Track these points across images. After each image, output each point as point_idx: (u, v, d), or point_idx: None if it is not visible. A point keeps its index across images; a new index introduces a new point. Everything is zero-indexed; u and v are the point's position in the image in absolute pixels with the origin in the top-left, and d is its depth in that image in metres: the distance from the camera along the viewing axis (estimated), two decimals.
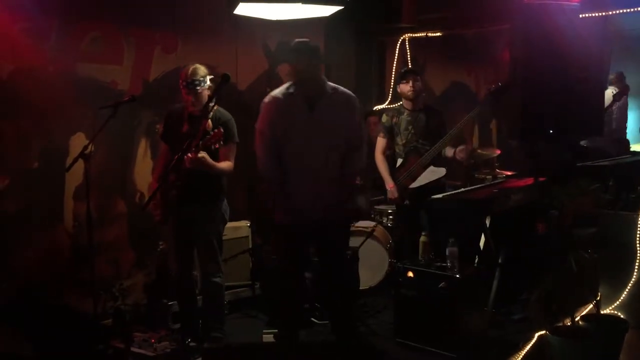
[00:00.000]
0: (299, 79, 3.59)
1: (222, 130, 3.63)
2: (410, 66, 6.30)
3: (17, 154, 4.11)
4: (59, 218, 4.30)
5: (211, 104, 3.63)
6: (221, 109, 3.87)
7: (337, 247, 3.79)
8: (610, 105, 7.69)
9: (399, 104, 5.21)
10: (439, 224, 4.72)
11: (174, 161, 3.55)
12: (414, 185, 4.86)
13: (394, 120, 4.94)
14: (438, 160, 4.84)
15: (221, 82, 3.52)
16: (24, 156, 4.14)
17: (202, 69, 3.77)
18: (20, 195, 4.10)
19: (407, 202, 4.95)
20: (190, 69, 3.76)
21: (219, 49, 5.10)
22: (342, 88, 3.70)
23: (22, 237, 4.08)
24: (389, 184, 4.92)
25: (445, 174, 4.86)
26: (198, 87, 3.73)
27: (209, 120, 3.69)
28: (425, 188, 4.77)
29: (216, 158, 3.78)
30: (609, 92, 7.56)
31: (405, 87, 4.88)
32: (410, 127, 4.87)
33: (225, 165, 3.83)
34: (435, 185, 4.77)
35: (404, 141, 4.89)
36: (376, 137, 5.08)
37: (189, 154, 3.55)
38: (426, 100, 5.19)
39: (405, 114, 4.92)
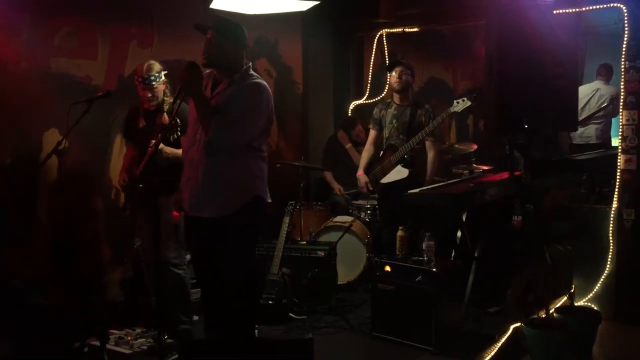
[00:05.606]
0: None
1: (177, 120, 3.63)
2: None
3: None
4: (34, 214, 4.24)
5: (166, 98, 3.85)
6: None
7: None
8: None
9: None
10: (416, 219, 4.76)
11: (144, 157, 3.54)
12: (384, 180, 4.85)
13: (382, 112, 4.92)
14: (410, 161, 4.71)
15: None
16: None
17: (156, 65, 3.88)
18: None
19: (375, 195, 4.99)
20: (145, 65, 3.86)
21: (196, 43, 5.03)
22: None
23: None
24: (359, 171, 4.97)
25: (412, 176, 4.69)
26: (154, 83, 3.84)
27: (165, 114, 3.82)
28: (391, 185, 4.75)
29: (178, 148, 3.80)
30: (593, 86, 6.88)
31: (392, 79, 4.83)
32: (394, 121, 4.80)
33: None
34: (405, 184, 4.55)
35: (387, 135, 4.88)
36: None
37: (149, 148, 3.55)
38: (419, 97, 5.10)
39: (392, 107, 4.85)
